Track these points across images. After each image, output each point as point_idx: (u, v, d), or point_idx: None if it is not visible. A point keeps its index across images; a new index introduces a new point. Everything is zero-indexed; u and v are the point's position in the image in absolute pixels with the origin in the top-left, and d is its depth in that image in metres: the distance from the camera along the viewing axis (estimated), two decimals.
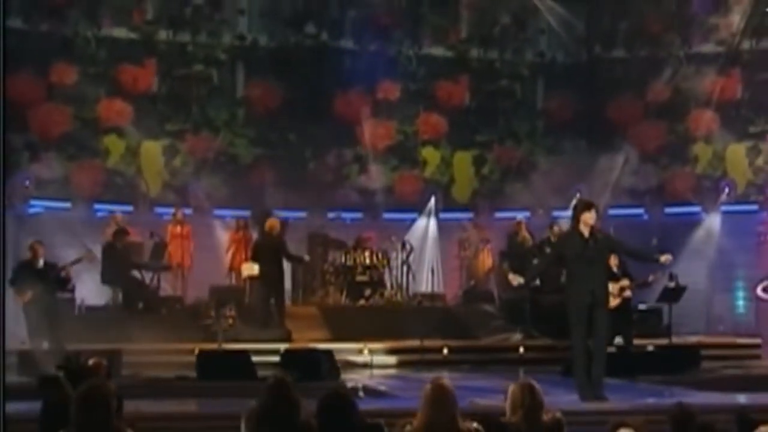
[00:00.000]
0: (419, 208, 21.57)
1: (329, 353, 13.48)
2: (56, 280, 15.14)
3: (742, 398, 11.61)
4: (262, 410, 6.24)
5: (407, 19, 22.52)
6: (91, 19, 20.77)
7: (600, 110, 22.34)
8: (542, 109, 22.86)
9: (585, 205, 11.97)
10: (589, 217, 11.60)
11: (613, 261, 14.79)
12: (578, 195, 20.07)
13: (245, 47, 21.72)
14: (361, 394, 11.81)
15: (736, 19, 21.25)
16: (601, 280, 11.87)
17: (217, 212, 20.83)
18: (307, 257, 18.36)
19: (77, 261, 15.64)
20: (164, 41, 21.26)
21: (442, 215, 21.59)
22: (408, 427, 5.96)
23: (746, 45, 21.46)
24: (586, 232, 11.56)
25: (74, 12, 20.66)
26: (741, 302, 20.50)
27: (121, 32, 21.00)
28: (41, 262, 14.95)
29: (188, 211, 20.12)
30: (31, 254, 14.98)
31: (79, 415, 5.77)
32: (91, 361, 8.96)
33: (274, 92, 21.56)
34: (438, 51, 22.58)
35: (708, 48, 21.75)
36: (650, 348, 15.39)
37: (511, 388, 6.24)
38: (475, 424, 5.89)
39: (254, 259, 17.30)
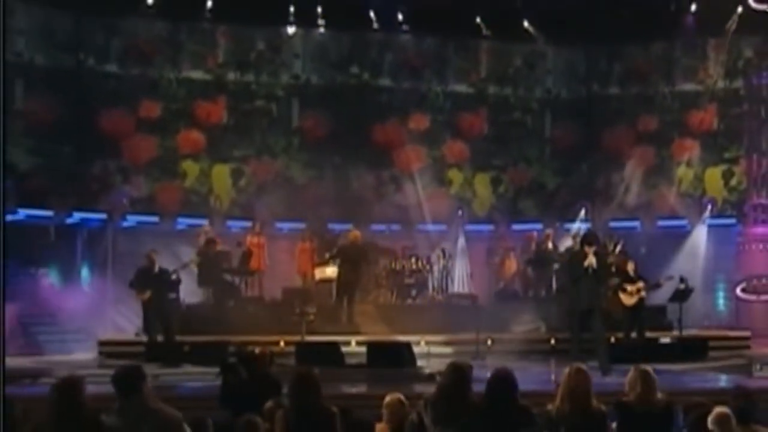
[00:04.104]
0: (447, 221, 21.83)
1: (408, 345, 14.14)
2: (168, 283, 15.93)
3: None
4: (442, 390, 7.21)
5: (435, 61, 22.93)
6: (173, 64, 21.51)
7: (598, 138, 22.85)
8: (549, 137, 23.28)
9: (588, 241, 13.92)
10: (589, 250, 13.64)
11: (630, 267, 16.03)
12: (584, 211, 21.28)
13: (300, 85, 22.24)
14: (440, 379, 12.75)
15: (712, 63, 22.03)
16: (597, 291, 13.72)
17: (277, 225, 21.21)
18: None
19: (184, 266, 16.57)
20: (233, 81, 21.88)
21: (466, 227, 21.84)
22: (550, 406, 6.66)
23: (721, 84, 22.00)
24: (590, 254, 13.38)
25: (159, 58, 21.41)
26: (722, 301, 21.10)
27: (197, 74, 21.68)
28: (157, 268, 15.72)
29: (250, 223, 20.33)
30: (148, 261, 15.74)
31: (296, 395, 6.51)
32: (257, 350, 9.87)
33: (324, 123, 22.12)
34: (461, 88, 23.00)
35: (689, 87, 22.35)
36: (668, 340, 16.27)
37: (630, 372, 6.79)
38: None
39: (336, 262, 17.99)
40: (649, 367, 6.83)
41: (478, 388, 7.27)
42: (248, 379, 9.35)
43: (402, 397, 7.83)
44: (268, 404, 7.77)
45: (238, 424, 6.82)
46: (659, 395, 6.74)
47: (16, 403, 5.66)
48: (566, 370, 6.68)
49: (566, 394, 6.55)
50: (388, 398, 8.32)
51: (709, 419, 6.24)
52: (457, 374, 6.89)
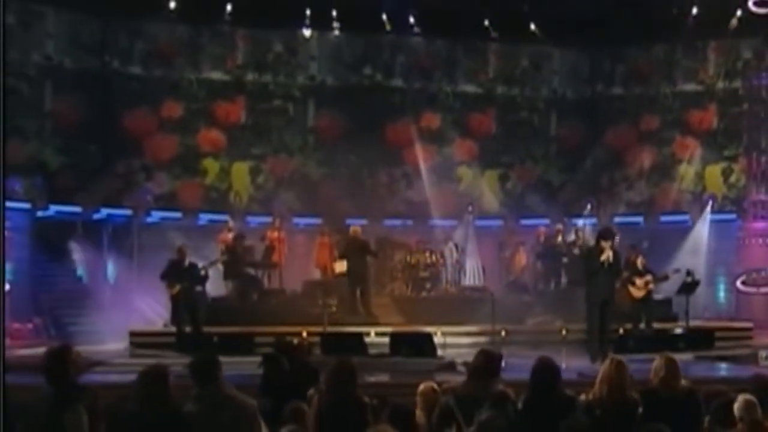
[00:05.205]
0: (457, 217, 21.90)
1: (429, 335, 14.37)
2: (197, 277, 15.99)
3: None
4: (473, 371, 7.44)
5: (445, 62, 23.09)
6: (193, 66, 21.75)
7: (602, 137, 22.91)
8: (555, 135, 23.46)
9: (604, 236, 14.19)
10: (605, 245, 13.82)
11: (640, 261, 16.30)
12: (589, 206, 21.41)
13: (315, 86, 22.44)
14: (460, 368, 12.97)
15: (712, 64, 22.32)
16: (611, 284, 14.00)
17: (294, 220, 21.34)
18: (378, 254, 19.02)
19: (212, 264, 16.79)
20: (251, 82, 22.06)
21: (476, 222, 21.86)
22: (583, 396, 6.73)
23: (720, 85, 22.25)
24: (606, 248, 13.65)
25: (181, 60, 21.65)
26: (722, 294, 21.34)
27: (217, 75, 21.91)
28: (186, 262, 15.82)
29: (269, 219, 20.46)
30: (179, 255, 15.85)
31: (333, 384, 6.54)
32: (295, 341, 10.11)
33: (338, 122, 22.29)
34: (470, 88, 23.17)
35: (690, 87, 22.58)
36: (680, 330, 16.52)
37: (656, 360, 6.86)
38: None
39: (343, 258, 18.20)
40: (673, 355, 6.93)
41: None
42: (288, 370, 9.53)
43: (435, 385, 8.02)
44: (311, 392, 8.00)
45: (285, 411, 6.96)
46: (683, 382, 6.80)
47: (98, 393, 5.81)
48: (606, 362, 6.76)
49: (605, 384, 6.61)
50: (422, 386, 8.44)
51: (736, 406, 6.26)
52: (487, 359, 7.07)
